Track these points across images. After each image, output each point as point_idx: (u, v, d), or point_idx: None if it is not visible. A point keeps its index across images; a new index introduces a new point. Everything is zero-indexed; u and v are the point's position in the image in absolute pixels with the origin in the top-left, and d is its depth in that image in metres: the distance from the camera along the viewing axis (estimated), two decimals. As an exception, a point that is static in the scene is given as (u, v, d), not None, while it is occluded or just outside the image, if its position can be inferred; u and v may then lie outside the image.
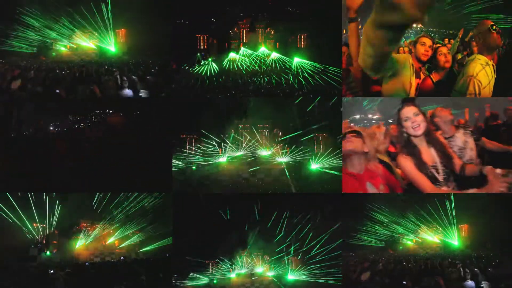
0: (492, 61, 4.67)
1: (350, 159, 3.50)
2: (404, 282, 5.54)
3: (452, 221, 6.37)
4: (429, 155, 3.63)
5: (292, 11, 6.75)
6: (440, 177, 3.63)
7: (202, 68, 6.62)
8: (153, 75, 5.94)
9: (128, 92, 5.74)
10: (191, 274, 6.07)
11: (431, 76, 4.95)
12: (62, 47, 6.67)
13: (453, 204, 6.14)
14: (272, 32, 6.88)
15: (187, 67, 6.56)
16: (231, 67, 6.67)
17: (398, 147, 3.80)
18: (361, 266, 6.06)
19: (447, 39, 6.67)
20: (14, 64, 6.09)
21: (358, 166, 3.47)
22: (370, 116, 6.60)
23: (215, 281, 6.17)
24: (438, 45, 5.05)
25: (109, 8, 6.25)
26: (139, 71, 6.02)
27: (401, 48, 6.01)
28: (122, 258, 6.34)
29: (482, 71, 4.57)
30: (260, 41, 6.88)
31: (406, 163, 3.59)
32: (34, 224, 6.21)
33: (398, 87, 4.47)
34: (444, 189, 3.65)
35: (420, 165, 3.56)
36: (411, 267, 6.07)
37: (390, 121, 5.99)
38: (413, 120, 3.59)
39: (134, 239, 6.43)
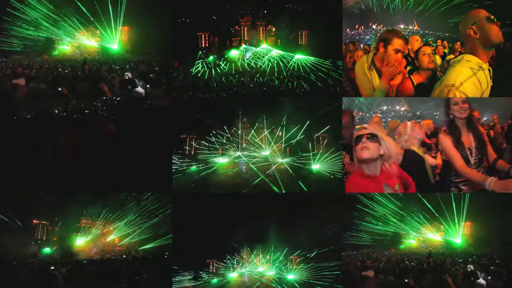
0: (487, 64, 3.88)
1: (366, 163, 3.36)
2: (406, 280, 5.50)
3: (457, 219, 6.30)
4: (468, 138, 4.01)
5: (293, 8, 6.75)
6: (472, 160, 4.00)
7: (204, 68, 6.59)
8: (156, 73, 5.97)
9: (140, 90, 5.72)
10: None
11: (412, 77, 4.45)
12: (65, 46, 6.72)
13: (466, 202, 6.03)
14: (273, 30, 6.88)
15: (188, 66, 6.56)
16: (226, 69, 6.64)
17: (441, 128, 4.21)
18: (364, 265, 6.06)
19: (440, 40, 6.51)
20: (17, 63, 6.19)
21: (374, 169, 3.38)
22: (397, 107, 6.53)
23: (215, 281, 6.18)
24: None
25: (124, 3, 6.24)
26: (142, 68, 6.06)
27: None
28: (124, 256, 6.32)
29: (471, 79, 3.78)
30: (261, 38, 6.88)
31: (446, 141, 4.00)
32: (34, 221, 6.26)
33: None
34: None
35: (458, 144, 3.96)
36: (413, 266, 6.05)
37: (418, 113, 5.98)
38: (461, 106, 3.93)
39: (133, 237, 6.41)
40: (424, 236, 6.71)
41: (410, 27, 6.47)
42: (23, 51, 6.44)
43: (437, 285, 5.37)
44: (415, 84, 4.44)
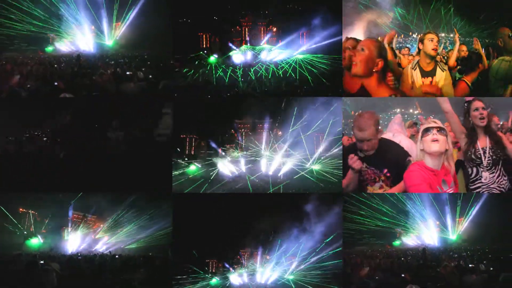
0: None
1: (433, 156, 3.55)
2: (403, 275, 5.64)
3: (452, 215, 6.47)
4: (483, 140, 4.18)
5: (294, 8, 6.77)
6: (485, 162, 4.17)
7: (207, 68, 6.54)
8: (153, 69, 5.97)
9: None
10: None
11: (465, 79, 5.08)
12: (60, 42, 6.55)
13: (480, 203, 6.17)
14: (274, 29, 6.89)
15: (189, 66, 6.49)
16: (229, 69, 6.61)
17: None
18: (359, 262, 6.17)
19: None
20: (11, 60, 6.03)
21: (437, 164, 3.57)
22: (411, 110, 6.75)
23: (216, 281, 6.17)
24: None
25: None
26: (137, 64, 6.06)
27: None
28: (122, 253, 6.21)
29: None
30: (262, 38, 6.86)
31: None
32: (20, 209, 5.94)
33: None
34: (485, 174, 4.18)
35: (469, 148, 4.17)
36: (409, 262, 6.20)
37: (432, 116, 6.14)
38: (481, 112, 4.14)
39: (126, 235, 6.31)
40: (419, 232, 6.87)
41: (451, 35, 6.62)
42: (17, 48, 6.23)
43: (433, 279, 5.51)
44: (470, 83, 5.08)
